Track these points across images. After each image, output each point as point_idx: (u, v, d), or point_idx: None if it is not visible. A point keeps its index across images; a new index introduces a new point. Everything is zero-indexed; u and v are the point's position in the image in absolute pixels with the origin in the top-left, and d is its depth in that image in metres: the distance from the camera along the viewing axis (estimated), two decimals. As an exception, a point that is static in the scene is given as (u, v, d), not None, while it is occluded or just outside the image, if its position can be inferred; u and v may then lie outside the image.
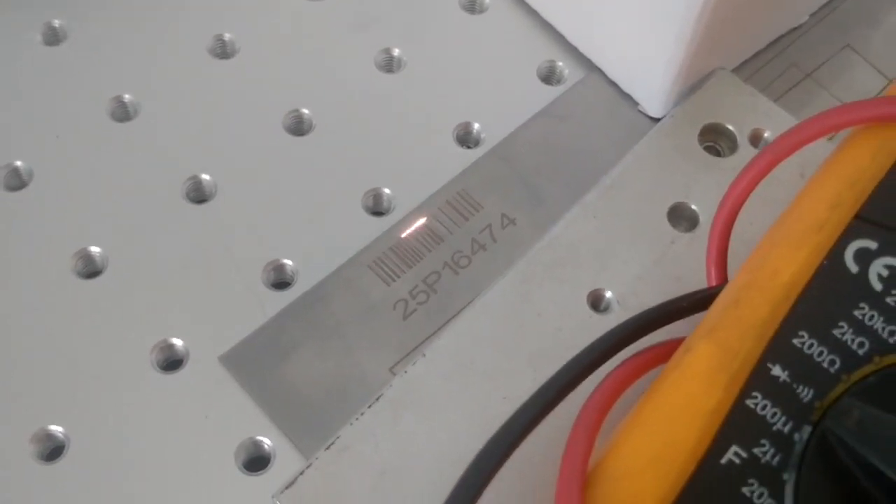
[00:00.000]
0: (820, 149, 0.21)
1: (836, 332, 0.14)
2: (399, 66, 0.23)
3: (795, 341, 0.14)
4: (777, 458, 0.13)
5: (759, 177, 0.17)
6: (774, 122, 0.22)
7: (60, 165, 0.21)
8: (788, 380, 0.14)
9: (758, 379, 0.14)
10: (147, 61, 0.23)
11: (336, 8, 0.24)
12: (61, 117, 0.22)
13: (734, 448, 0.13)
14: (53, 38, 0.23)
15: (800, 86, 0.24)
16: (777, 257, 0.15)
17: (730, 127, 0.21)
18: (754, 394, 0.14)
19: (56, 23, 0.23)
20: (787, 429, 0.14)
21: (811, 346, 0.14)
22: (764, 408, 0.14)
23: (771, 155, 0.17)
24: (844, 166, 0.16)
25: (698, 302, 0.17)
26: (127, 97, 0.22)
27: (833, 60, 0.24)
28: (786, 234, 0.16)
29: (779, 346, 0.14)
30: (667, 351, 0.16)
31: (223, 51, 0.23)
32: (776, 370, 0.14)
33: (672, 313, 0.17)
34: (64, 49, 0.23)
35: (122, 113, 0.22)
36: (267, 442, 0.18)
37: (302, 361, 0.19)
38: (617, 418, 0.15)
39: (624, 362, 0.16)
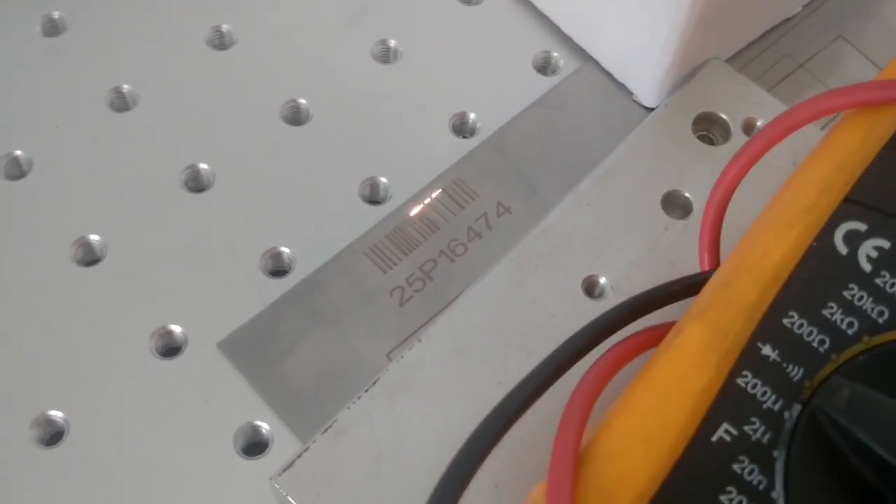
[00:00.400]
0: (812, 136, 0.21)
1: (825, 312, 0.14)
2: (395, 56, 0.23)
3: (785, 321, 0.14)
4: (767, 436, 0.14)
5: (751, 163, 0.17)
6: (767, 111, 0.22)
7: (60, 155, 0.21)
8: (778, 359, 0.14)
9: (748, 358, 0.14)
10: (145, 52, 0.23)
11: None
12: (61, 107, 0.22)
13: (725, 426, 0.14)
14: (53, 29, 0.23)
15: (793, 76, 0.24)
16: (767, 239, 0.15)
17: (723, 116, 0.22)
18: (745, 373, 0.14)
19: (55, 14, 0.23)
20: (777, 407, 0.14)
21: (801, 326, 0.14)
22: (754, 386, 0.14)
23: (762, 140, 0.17)
24: (834, 150, 0.16)
25: (690, 286, 0.17)
26: (125, 87, 0.22)
27: (826, 51, 0.24)
28: (775, 216, 0.16)
29: (769, 327, 0.14)
30: (659, 334, 0.16)
31: (221, 42, 0.23)
32: (766, 350, 0.14)
33: (664, 297, 0.17)
34: (63, 40, 0.23)
35: (121, 103, 0.22)
36: (265, 426, 0.18)
37: (299, 348, 0.19)
38: (609, 399, 0.16)
39: (617, 344, 0.16)
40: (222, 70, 0.23)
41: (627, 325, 0.16)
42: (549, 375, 0.15)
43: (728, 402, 0.14)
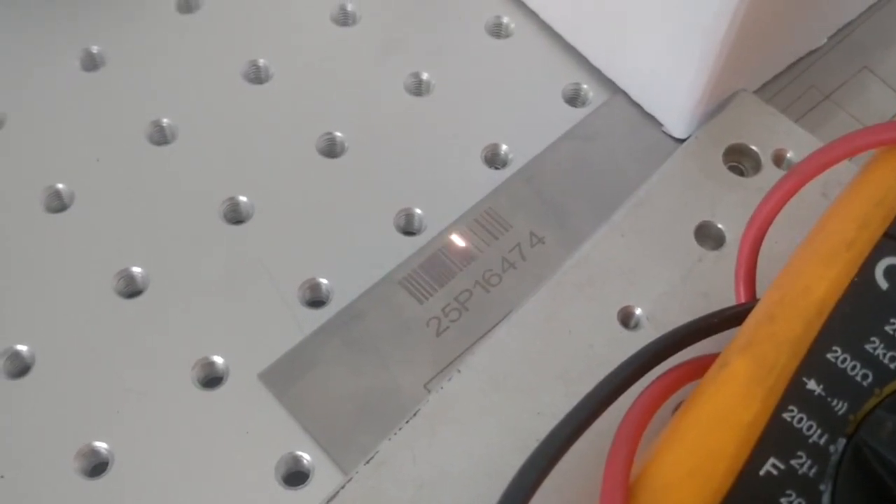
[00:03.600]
0: (841, 169, 0.21)
1: (868, 346, 0.15)
2: (428, 89, 0.24)
3: (829, 356, 0.15)
4: (814, 470, 0.14)
5: (787, 197, 0.18)
6: (796, 142, 0.22)
7: (101, 188, 0.22)
8: (823, 393, 0.14)
9: (794, 393, 0.14)
10: (184, 86, 0.23)
11: (365, 33, 0.24)
12: (101, 141, 0.22)
13: (772, 460, 0.14)
14: (91, 63, 0.24)
15: (819, 107, 0.24)
16: (808, 275, 0.15)
17: (753, 147, 0.22)
18: (790, 407, 0.14)
19: (94, 49, 0.24)
20: (822, 441, 0.14)
21: (844, 360, 0.15)
22: (800, 421, 0.14)
23: (797, 176, 0.17)
24: (871, 186, 0.16)
25: (729, 318, 0.17)
26: (165, 121, 0.23)
27: (851, 82, 0.24)
28: (815, 252, 0.16)
29: (813, 361, 0.14)
30: (701, 366, 0.16)
31: (257, 76, 0.24)
32: (811, 384, 0.14)
33: (705, 329, 0.17)
34: (102, 74, 0.23)
35: (160, 136, 0.23)
36: (306, 457, 0.18)
37: (338, 378, 0.19)
38: (652, 432, 0.16)
39: (661, 377, 0.16)
40: (259, 103, 0.23)
41: (670, 357, 0.17)
42: (595, 409, 0.16)
43: (775, 436, 0.14)
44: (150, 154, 0.22)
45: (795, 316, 0.15)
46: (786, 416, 0.14)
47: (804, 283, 0.15)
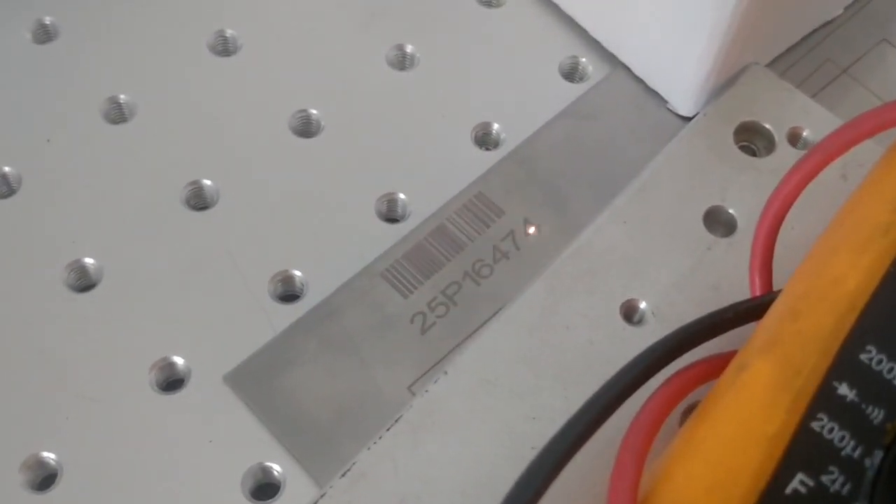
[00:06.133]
0: (861, 150, 0.20)
1: (907, 345, 0.13)
2: (412, 63, 0.23)
3: (863, 357, 0.13)
4: (847, 487, 0.12)
5: (809, 177, 0.16)
6: (814, 119, 0.21)
7: (51, 171, 0.20)
8: (857, 399, 0.13)
9: (823, 399, 0.13)
10: (144, 59, 0.22)
11: (344, 1, 0.23)
12: (52, 120, 0.21)
13: (800, 476, 0.12)
14: (44, 35, 0.22)
15: (835, 82, 0.23)
16: (838, 264, 0.14)
17: (766, 125, 0.21)
18: (820, 415, 0.13)
19: (47, 19, 0.22)
20: (857, 454, 0.13)
21: (880, 361, 0.13)
22: (831, 431, 0.13)
23: (821, 154, 0.16)
24: (906, 164, 0.15)
25: (746, 313, 0.16)
26: (122, 98, 0.21)
27: (869, 55, 0.23)
28: (846, 238, 0.14)
29: (845, 362, 0.13)
30: (715, 367, 0.15)
31: (224, 48, 0.22)
32: (843, 389, 0.13)
33: (719, 325, 0.16)
34: (55, 47, 0.22)
35: (118, 114, 0.21)
36: (276, 468, 0.17)
37: (313, 380, 0.18)
38: (659, 441, 0.14)
39: (670, 379, 0.15)
40: (226, 78, 0.22)
41: (681, 356, 0.15)
42: (598, 415, 0.14)
43: (803, 449, 0.13)
44: (106, 134, 0.21)
45: (824, 311, 0.14)
46: (815, 425, 0.13)
47: (833, 272, 0.14)
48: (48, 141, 0.21)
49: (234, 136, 0.21)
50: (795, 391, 0.13)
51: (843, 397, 0.13)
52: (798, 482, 0.12)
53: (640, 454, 0.14)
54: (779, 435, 0.13)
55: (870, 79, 0.23)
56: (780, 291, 0.15)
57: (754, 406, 0.13)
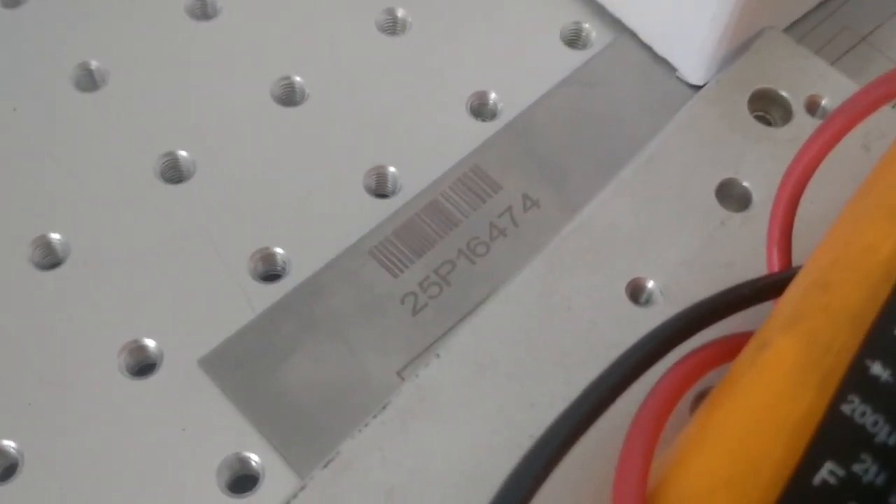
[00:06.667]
0: (882, 118, 0.19)
1: (948, 320, 0.12)
2: (403, 27, 0.22)
3: None
4: (881, 477, 0.11)
5: (833, 142, 0.15)
6: (833, 87, 0.20)
7: (17, 141, 0.19)
8: (891, 380, 0.12)
9: (854, 379, 0.12)
10: (117, 23, 0.21)
11: None
12: (19, 87, 0.20)
13: (829, 465, 0.11)
14: None
15: (854, 50, 0.21)
16: (871, 231, 0.13)
17: (783, 93, 0.19)
18: (851, 397, 0.12)
19: None
20: (892, 440, 0.11)
21: None
22: (863, 414, 0.12)
23: (847, 115, 0.15)
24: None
25: (765, 289, 0.15)
26: (93, 64, 0.21)
27: (891, 22, 0.22)
28: (878, 205, 0.13)
29: (879, 339, 0.12)
30: (731, 347, 0.14)
31: (203, 11, 0.22)
32: (876, 368, 0.12)
33: (735, 302, 0.14)
34: (23, 11, 0.21)
35: (88, 82, 0.21)
36: (254, 458, 0.17)
37: (295, 365, 0.17)
38: (670, 428, 0.13)
39: (682, 360, 0.14)
40: (204, 43, 0.21)
41: (693, 336, 0.14)
42: (602, 399, 0.13)
43: (832, 435, 0.12)
44: (76, 102, 0.20)
45: (855, 282, 0.12)
46: (845, 408, 0.12)
47: (865, 240, 0.13)
48: (14, 110, 0.20)
49: (212, 104, 0.20)
50: (824, 371, 0.12)
51: (877, 377, 0.12)
52: (827, 472, 0.11)
53: (649, 444, 0.13)
54: (805, 419, 0.12)
55: (890, 47, 0.21)
56: (801, 267, 0.14)
57: (778, 387, 0.12)
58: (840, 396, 0.12)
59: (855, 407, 0.12)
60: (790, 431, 0.11)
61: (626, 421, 0.13)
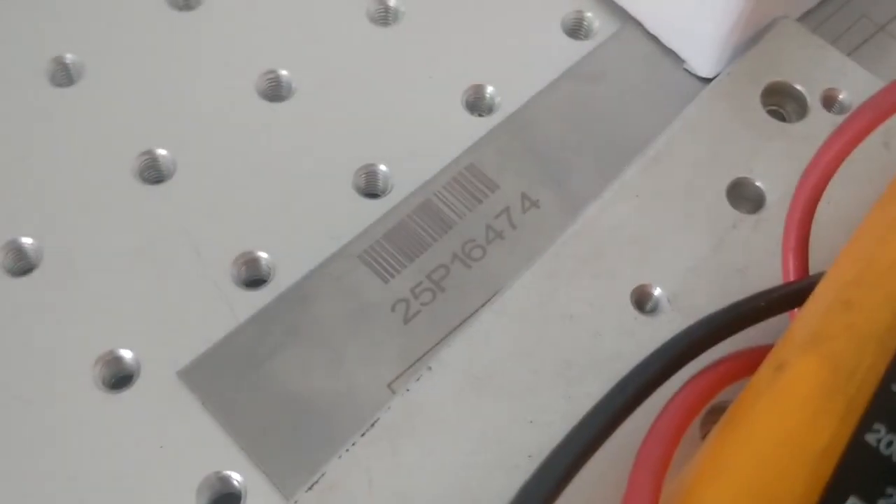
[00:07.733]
0: None
1: (983, 341, 0.11)
2: (396, 17, 0.21)
3: None
4: None
5: (856, 141, 0.14)
6: (851, 80, 0.19)
7: None
8: None
9: (880, 406, 0.11)
10: (93, 14, 0.21)
11: None
12: None
13: (853, 500, 0.11)
14: None
15: (872, 40, 0.21)
16: None
17: (798, 87, 0.19)
18: (876, 426, 0.11)
19: None
20: None
21: None
22: (889, 445, 0.11)
23: (873, 112, 0.14)
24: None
25: (782, 300, 0.14)
26: (69, 58, 0.20)
27: None
28: None
29: None
30: (744, 364, 0.13)
31: (185, 1, 0.21)
32: None
33: (748, 316, 0.14)
34: None
35: (64, 76, 0.20)
36: (236, 477, 0.16)
37: (280, 377, 0.17)
38: (683, 454, 0.12)
39: (692, 380, 0.13)
40: (186, 35, 0.21)
41: (705, 351, 0.13)
42: (610, 420, 0.12)
43: (856, 467, 0.11)
44: (50, 97, 0.20)
45: (880, 300, 0.12)
46: (870, 438, 0.11)
47: (891, 256, 0.12)
48: (-16, 106, 0.19)
49: (193, 100, 0.20)
50: (848, 397, 0.11)
51: (905, 404, 0.11)
52: (851, 507, 0.11)
53: (658, 471, 0.12)
54: (828, 450, 0.11)
55: (911, 37, 0.20)
56: (819, 275, 0.13)
57: (798, 415, 0.11)
58: (864, 425, 0.11)
59: (881, 437, 0.11)
60: (812, 464, 0.11)
61: (634, 440, 0.12)
